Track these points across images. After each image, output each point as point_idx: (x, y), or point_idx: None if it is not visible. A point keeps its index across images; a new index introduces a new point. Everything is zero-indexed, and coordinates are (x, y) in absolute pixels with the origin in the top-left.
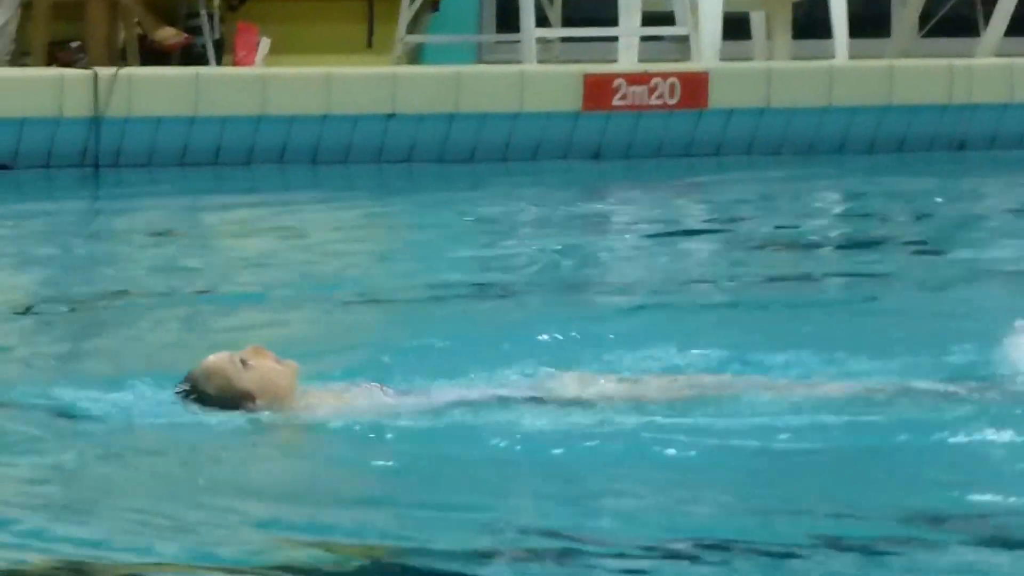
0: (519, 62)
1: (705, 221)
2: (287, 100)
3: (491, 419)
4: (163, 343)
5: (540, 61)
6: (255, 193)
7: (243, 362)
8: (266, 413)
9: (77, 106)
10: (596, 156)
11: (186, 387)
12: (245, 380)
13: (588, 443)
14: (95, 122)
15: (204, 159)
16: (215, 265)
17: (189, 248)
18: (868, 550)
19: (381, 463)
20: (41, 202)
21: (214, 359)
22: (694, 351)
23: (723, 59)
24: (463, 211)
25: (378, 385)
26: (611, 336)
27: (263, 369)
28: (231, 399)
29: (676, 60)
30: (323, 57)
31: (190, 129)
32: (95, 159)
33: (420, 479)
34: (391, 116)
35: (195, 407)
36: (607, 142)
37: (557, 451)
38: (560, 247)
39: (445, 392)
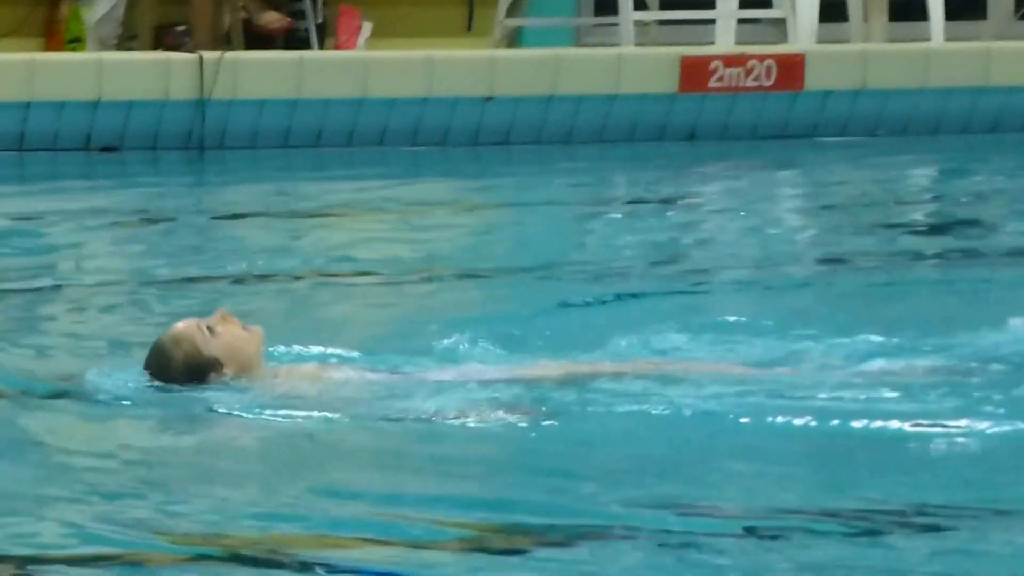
0: (616, 45)
1: (800, 202)
2: (388, 83)
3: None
4: (267, 321)
5: (637, 44)
6: (356, 175)
7: (210, 329)
8: (234, 389)
9: (183, 89)
10: (692, 137)
11: (152, 366)
12: (213, 347)
13: (595, 421)
14: (200, 105)
15: (306, 141)
16: (317, 244)
17: (291, 228)
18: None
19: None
20: (147, 183)
21: (182, 325)
22: (792, 332)
23: (819, 41)
24: (559, 192)
25: (356, 366)
26: (701, 315)
27: (230, 336)
28: (198, 367)
29: (772, 43)
30: (423, 40)
31: (293, 112)
32: (200, 141)
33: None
34: (489, 99)
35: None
36: (703, 124)
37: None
38: (656, 228)
39: (428, 373)
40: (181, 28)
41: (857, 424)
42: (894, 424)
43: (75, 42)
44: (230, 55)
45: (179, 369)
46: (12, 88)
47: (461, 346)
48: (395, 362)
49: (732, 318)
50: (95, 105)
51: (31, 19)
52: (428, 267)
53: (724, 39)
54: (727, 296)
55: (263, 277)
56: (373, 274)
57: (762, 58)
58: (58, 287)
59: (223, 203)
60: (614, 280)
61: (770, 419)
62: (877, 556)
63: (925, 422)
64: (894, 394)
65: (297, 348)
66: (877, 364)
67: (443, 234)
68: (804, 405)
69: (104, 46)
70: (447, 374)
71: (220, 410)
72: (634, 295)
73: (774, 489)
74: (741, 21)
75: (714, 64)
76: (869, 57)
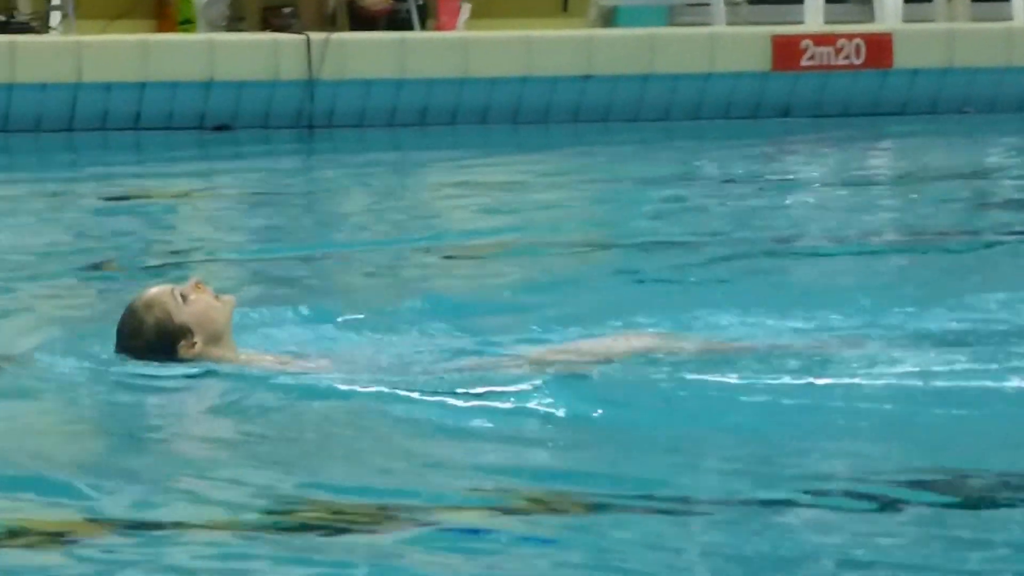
0: (709, 24)
1: (890, 177)
2: (489, 63)
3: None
4: (373, 292)
5: (729, 23)
6: (459, 152)
7: (183, 296)
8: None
9: (292, 70)
10: (785, 114)
11: (122, 331)
12: (184, 314)
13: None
14: (309, 85)
15: (411, 120)
16: (423, 218)
17: (398, 203)
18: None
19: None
20: (259, 161)
21: (156, 290)
22: (884, 303)
23: (904, 21)
24: (657, 167)
25: (321, 356)
26: (798, 287)
27: (202, 304)
28: (168, 333)
29: (860, 22)
30: (520, 21)
31: (398, 91)
32: (309, 120)
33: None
34: (587, 77)
35: (128, 361)
36: (796, 101)
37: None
38: (749, 201)
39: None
40: (288, 9)
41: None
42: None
43: (186, 23)
44: (337, 36)
45: (149, 335)
46: (127, 69)
47: (540, 325)
48: (489, 336)
49: (823, 290)
50: (208, 85)
51: (144, 2)
52: (526, 239)
53: (813, 18)
54: (816, 268)
55: (371, 249)
56: (478, 246)
57: (851, 37)
58: (178, 264)
59: (332, 179)
60: (707, 251)
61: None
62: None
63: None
64: (978, 365)
65: (385, 318)
66: (957, 334)
67: (545, 206)
68: (890, 375)
69: (213, 27)
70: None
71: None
72: (724, 263)
73: (868, 460)
74: (829, 1)
75: (804, 43)
76: (956, 36)
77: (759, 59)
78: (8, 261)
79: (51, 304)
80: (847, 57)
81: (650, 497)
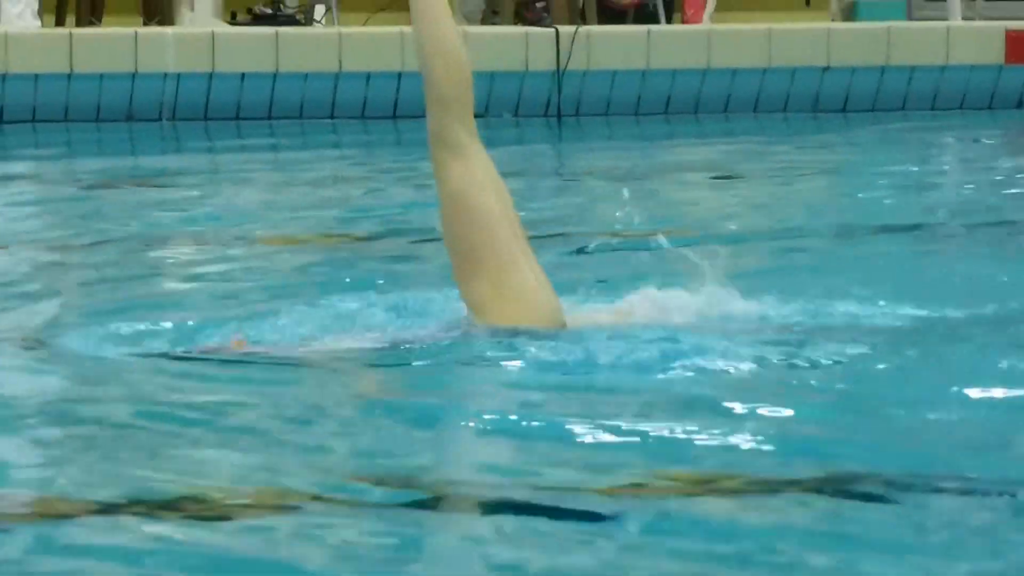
0: (946, 19)
1: None
2: (731, 54)
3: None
4: (618, 276)
5: (964, 18)
6: (703, 140)
7: None
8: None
9: (541, 61)
10: (1020, 106)
11: None
12: None
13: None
14: (557, 76)
15: (656, 109)
16: (667, 205)
17: (644, 189)
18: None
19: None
20: (510, 148)
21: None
22: None
23: None
24: (889, 158)
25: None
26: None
27: None
28: None
29: None
30: (765, 15)
31: (643, 82)
32: (557, 109)
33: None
34: (826, 69)
35: None
36: None
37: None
38: (984, 193)
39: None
40: (540, 4)
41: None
42: None
43: None
44: (583, 29)
45: None
46: (386, 59)
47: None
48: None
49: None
50: None
51: None
52: (766, 228)
53: None
54: None
55: (615, 235)
56: (715, 234)
57: None
58: (414, 241)
59: (579, 166)
60: (943, 243)
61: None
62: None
63: None
64: None
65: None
66: None
67: (783, 196)
68: None
69: (469, 21)
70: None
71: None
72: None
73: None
74: None
75: None
76: None
77: (993, 53)
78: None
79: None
80: None
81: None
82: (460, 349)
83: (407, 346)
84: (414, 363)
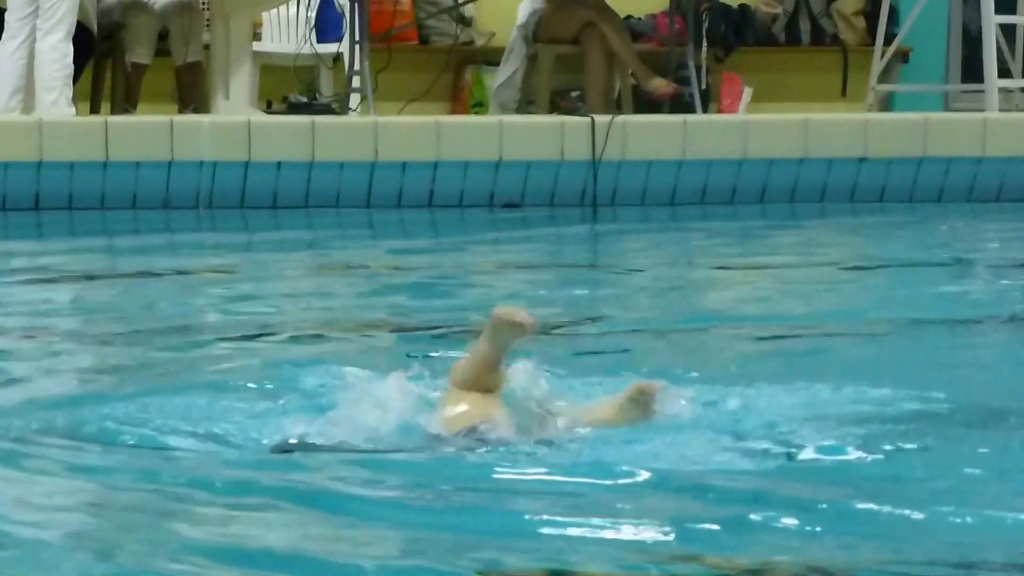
0: (983, 110)
1: None
2: (767, 144)
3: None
4: (660, 368)
5: (1001, 110)
6: (738, 229)
7: None
8: None
9: (577, 150)
10: None
11: None
12: None
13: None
14: (593, 165)
15: (691, 198)
16: (707, 297)
17: (681, 279)
18: None
19: None
20: (546, 237)
21: None
22: None
23: None
24: (932, 247)
25: None
26: None
27: None
28: None
29: None
30: (800, 105)
31: (679, 171)
32: (593, 199)
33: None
34: (863, 159)
35: None
36: None
37: None
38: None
39: None
40: (575, 93)
41: None
42: None
43: (478, 106)
44: (619, 118)
45: None
46: (421, 148)
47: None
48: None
49: None
50: (497, 165)
51: (438, 85)
52: (813, 324)
53: None
54: None
55: (653, 328)
56: (764, 326)
57: None
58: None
59: (616, 256)
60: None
61: None
62: None
63: None
64: None
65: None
66: None
67: (827, 289)
68: None
69: (504, 110)
70: None
71: None
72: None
73: None
74: None
75: None
76: None
77: None
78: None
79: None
80: None
81: None
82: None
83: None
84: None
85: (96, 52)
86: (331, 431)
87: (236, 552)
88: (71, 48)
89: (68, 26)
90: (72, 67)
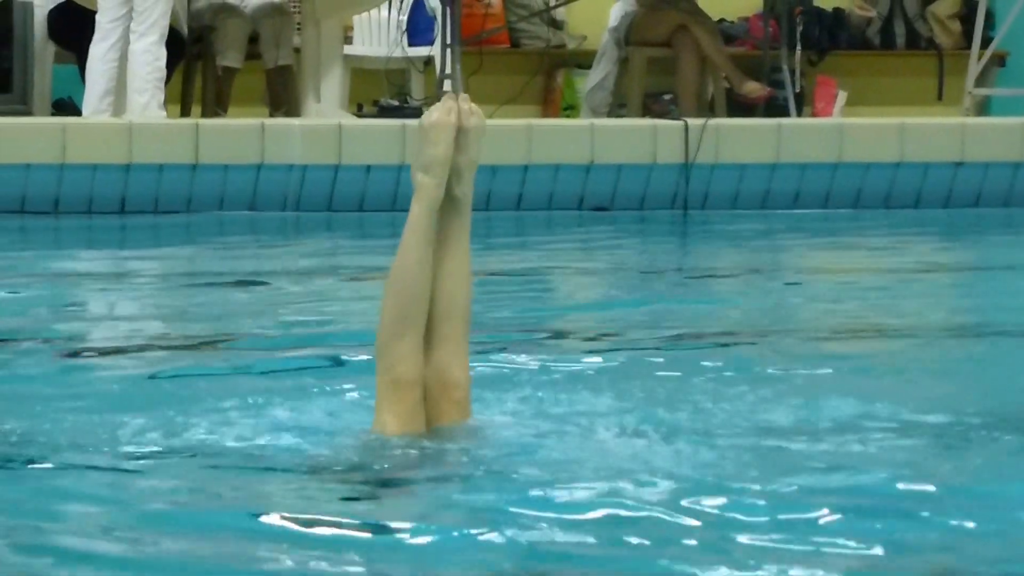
0: None
1: None
2: (862, 148)
3: None
4: (748, 381)
5: None
6: (833, 233)
7: None
8: None
9: (669, 153)
10: None
11: None
12: None
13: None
14: (685, 168)
15: (784, 203)
16: (793, 303)
17: (772, 284)
18: None
19: None
20: (635, 241)
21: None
22: None
23: None
24: (1021, 255)
25: None
26: None
27: None
28: None
29: None
30: (896, 109)
31: (771, 175)
32: (684, 202)
33: None
34: (959, 164)
35: None
36: None
37: None
38: None
39: None
40: (667, 96)
41: None
42: None
43: (569, 109)
44: (713, 122)
45: None
46: (513, 151)
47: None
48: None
49: None
50: (588, 168)
51: (529, 88)
52: (904, 329)
53: None
54: None
55: (731, 333)
56: (858, 333)
57: None
58: (554, 337)
59: (706, 261)
60: None
61: None
62: None
63: None
64: None
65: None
66: None
67: (912, 293)
68: None
69: (596, 113)
70: None
71: None
72: None
73: None
74: None
75: None
76: None
77: None
78: None
79: None
80: None
81: None
82: None
83: None
84: None
85: (187, 55)
86: None
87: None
88: (164, 51)
89: (162, 29)
90: (164, 70)
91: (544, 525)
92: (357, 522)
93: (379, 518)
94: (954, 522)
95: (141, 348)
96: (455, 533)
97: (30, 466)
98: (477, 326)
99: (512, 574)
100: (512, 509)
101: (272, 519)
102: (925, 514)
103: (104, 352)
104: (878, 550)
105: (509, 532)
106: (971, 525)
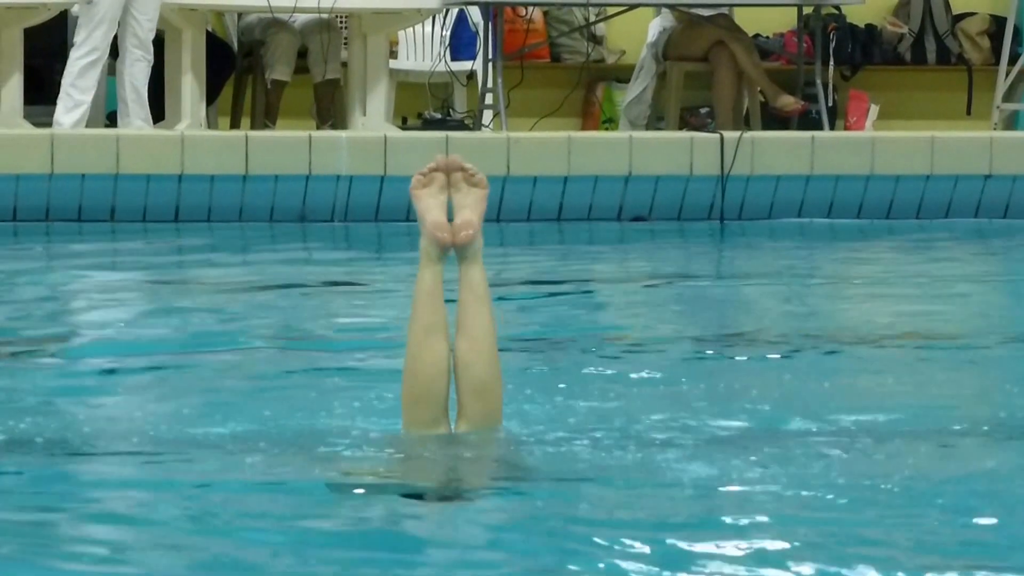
0: None
1: None
2: (894, 161)
3: None
4: (771, 389)
5: None
6: (865, 245)
7: None
8: None
9: (705, 165)
10: None
11: None
12: None
13: None
14: (721, 180)
15: (819, 214)
16: (829, 312)
17: (808, 293)
18: None
19: None
20: (673, 251)
21: None
22: None
23: None
24: None
25: None
26: None
27: None
28: None
29: None
30: (926, 123)
31: (806, 187)
32: (720, 213)
33: None
34: (988, 176)
35: None
36: None
37: None
38: None
39: None
40: (704, 110)
41: None
42: None
43: (608, 122)
44: (748, 134)
45: None
46: (553, 163)
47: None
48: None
49: None
50: (626, 180)
51: (570, 101)
52: (922, 337)
53: None
54: None
55: (765, 340)
56: (892, 340)
57: None
58: (595, 344)
59: (741, 269)
60: None
61: None
62: None
63: None
64: None
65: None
66: None
67: (944, 304)
68: None
69: (634, 126)
70: None
71: None
72: None
73: None
74: None
75: None
76: None
77: None
78: None
79: None
80: None
81: None
82: None
83: None
84: None
85: (237, 69)
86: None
87: None
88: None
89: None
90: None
91: (569, 530)
92: (378, 526)
93: (400, 522)
94: (974, 523)
95: (209, 352)
96: (478, 539)
97: (47, 466)
98: (517, 333)
99: None
100: (537, 514)
101: (294, 521)
102: (939, 517)
103: (173, 355)
104: (899, 551)
105: (532, 539)
106: (991, 526)
